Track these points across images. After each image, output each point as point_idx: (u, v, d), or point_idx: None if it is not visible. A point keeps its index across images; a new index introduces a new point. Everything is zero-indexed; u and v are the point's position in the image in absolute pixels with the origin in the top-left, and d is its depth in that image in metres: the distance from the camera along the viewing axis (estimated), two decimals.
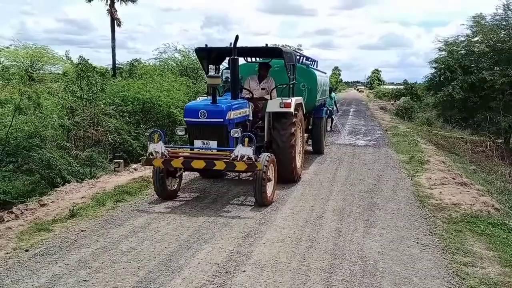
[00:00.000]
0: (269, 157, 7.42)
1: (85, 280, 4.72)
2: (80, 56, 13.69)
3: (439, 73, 24.80)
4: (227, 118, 7.51)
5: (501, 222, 6.92)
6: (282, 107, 8.72)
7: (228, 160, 7.14)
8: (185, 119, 7.74)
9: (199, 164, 7.21)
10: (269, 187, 7.56)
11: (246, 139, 7.14)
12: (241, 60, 10.78)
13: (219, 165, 7.15)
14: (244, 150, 7.07)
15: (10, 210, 7.01)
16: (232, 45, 8.13)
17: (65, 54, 21.12)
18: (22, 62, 18.74)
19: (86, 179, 9.21)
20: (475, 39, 24.33)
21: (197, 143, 7.68)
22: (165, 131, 9.37)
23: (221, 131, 7.57)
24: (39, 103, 10.28)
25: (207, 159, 7.29)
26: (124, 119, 13.15)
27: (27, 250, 5.53)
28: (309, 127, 12.97)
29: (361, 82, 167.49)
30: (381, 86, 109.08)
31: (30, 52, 19.01)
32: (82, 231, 6.24)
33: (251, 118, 8.74)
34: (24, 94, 9.94)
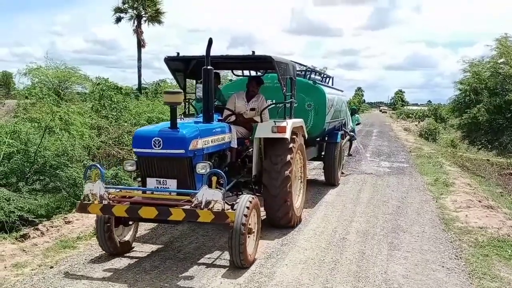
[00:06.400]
0: (250, 201, 5.49)
1: None
2: (97, 77, 13.96)
3: (464, 94, 24.54)
4: (191, 148, 5.57)
5: None
6: (275, 132, 6.96)
7: (188, 208, 5.25)
8: (134, 149, 5.82)
9: (149, 212, 5.28)
10: (250, 241, 5.69)
11: (214, 178, 5.31)
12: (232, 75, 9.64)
13: (176, 215, 5.19)
14: (210, 194, 5.22)
15: (36, 227, 7.13)
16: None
17: (97, 78, 21.49)
18: (51, 82, 19.18)
19: None
20: (501, 60, 24.06)
21: (151, 182, 5.70)
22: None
23: (183, 166, 5.64)
24: (68, 122, 10.51)
25: (160, 205, 5.35)
26: None
27: (52, 267, 5.61)
28: (322, 154, 11.34)
29: (385, 103, 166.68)
30: (405, 107, 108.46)
31: (59, 72, 19.46)
32: None
33: (234, 146, 6.93)
34: (55, 114, 10.14)
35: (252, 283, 5.19)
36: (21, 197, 7.97)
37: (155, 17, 35.64)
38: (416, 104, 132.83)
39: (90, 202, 5.51)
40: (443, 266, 5.94)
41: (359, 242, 6.85)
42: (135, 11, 35.20)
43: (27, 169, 8.84)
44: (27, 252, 6.16)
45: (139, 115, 14.98)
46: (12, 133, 9.25)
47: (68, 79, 19.45)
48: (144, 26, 35.62)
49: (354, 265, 5.90)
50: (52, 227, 7.18)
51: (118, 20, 35.41)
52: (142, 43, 35.25)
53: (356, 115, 18.54)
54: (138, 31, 35.00)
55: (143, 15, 35.41)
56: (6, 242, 6.45)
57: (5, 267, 5.59)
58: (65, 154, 9.35)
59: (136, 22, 35.26)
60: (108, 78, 14.28)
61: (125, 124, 13.75)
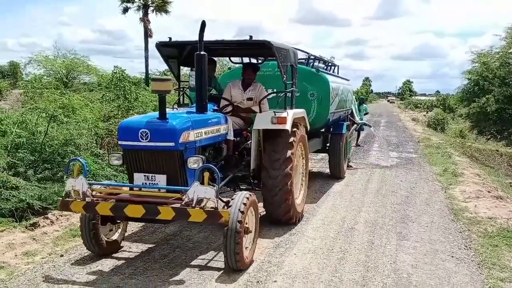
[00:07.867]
0: (247, 198, 5.09)
1: (118, 286, 4.80)
2: (115, 66, 13.99)
3: (472, 84, 24.37)
4: (181, 140, 5.14)
5: None
6: (275, 123, 6.50)
7: (178, 206, 4.83)
8: (119, 142, 5.37)
9: (136, 211, 4.82)
10: (247, 242, 5.31)
11: (206, 174, 4.90)
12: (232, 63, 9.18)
13: (165, 213, 4.77)
14: (202, 191, 4.79)
15: (45, 215, 7.16)
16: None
17: (115, 67, 21.52)
18: (59, 72, 19.20)
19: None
20: (511, 50, 23.83)
21: (138, 177, 5.26)
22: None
23: (172, 161, 5.20)
24: (74, 111, 10.51)
25: (148, 203, 4.90)
26: None
27: (62, 255, 5.65)
28: (326, 146, 10.88)
29: (392, 93, 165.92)
30: (413, 97, 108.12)
31: (66, 62, 19.48)
32: None
33: (231, 138, 6.46)
34: (57, 102, 10.17)
35: (261, 272, 5.20)
36: (30, 185, 7.98)
37: (162, 7, 35.61)
38: (424, 94, 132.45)
39: (73, 199, 5.10)
40: (452, 256, 5.91)
41: (368, 232, 6.84)
42: (142, 1, 35.20)
43: (34, 157, 8.85)
44: (37, 240, 6.20)
45: (146, 105, 14.94)
46: (21, 123, 9.26)
47: (75, 68, 19.48)
48: (151, 16, 35.67)
49: (363, 254, 5.89)
50: (61, 215, 7.21)
51: (125, 10, 35.45)
52: (149, 32, 35.21)
53: (364, 105, 18.51)
54: (145, 21, 34.99)
55: (150, 5, 35.41)
56: (17, 231, 6.49)
57: (16, 255, 5.64)
58: (72, 144, 9.35)
59: (143, 11, 35.25)
60: (125, 69, 14.33)
61: (133, 113, 13.75)
